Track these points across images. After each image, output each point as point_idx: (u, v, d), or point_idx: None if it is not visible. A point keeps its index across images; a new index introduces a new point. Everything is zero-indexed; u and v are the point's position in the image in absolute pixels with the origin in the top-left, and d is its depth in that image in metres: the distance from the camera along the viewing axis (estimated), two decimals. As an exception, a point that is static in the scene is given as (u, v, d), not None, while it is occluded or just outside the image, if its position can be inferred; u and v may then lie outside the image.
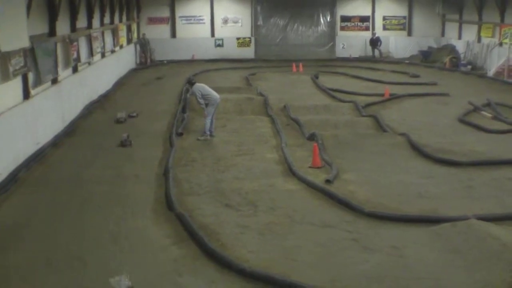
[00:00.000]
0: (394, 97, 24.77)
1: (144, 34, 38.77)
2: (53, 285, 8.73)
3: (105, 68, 27.16)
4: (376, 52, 40.66)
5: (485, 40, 34.19)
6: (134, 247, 10.11)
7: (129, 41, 35.65)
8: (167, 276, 9.02)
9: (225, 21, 41.34)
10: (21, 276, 9.00)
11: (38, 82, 16.90)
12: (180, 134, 18.16)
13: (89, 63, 24.32)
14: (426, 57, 38.40)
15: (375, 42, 40.43)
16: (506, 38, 30.70)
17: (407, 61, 39.01)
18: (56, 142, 17.22)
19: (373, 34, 40.90)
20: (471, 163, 14.99)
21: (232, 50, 41.01)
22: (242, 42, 41.58)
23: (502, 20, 32.30)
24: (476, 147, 16.68)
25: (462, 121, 20.47)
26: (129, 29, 35.84)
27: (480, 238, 9.92)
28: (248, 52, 41.46)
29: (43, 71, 17.16)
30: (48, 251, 9.93)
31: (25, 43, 15.63)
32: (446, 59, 35.81)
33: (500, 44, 31.47)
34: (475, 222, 10.52)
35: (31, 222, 11.28)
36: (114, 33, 30.42)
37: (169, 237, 10.54)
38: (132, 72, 34.29)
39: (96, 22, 26.18)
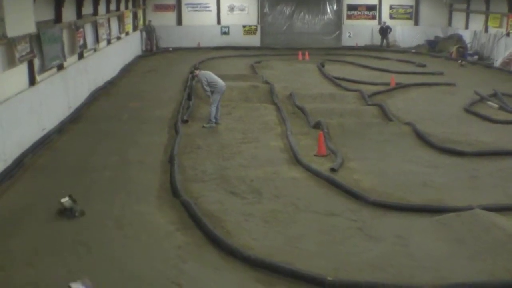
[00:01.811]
0: (400, 87, 24.72)
1: (150, 21, 38.74)
2: (57, 269, 8.75)
3: (111, 55, 27.13)
4: (385, 41, 40.45)
5: (492, 30, 34.00)
6: (138, 233, 10.13)
7: (135, 28, 35.61)
8: (171, 263, 9.04)
9: (231, 8, 41.25)
10: (26, 261, 9.03)
11: (43, 68, 16.88)
12: (185, 121, 18.16)
13: (95, 50, 24.29)
14: (433, 47, 38.29)
15: (385, 31, 40.13)
16: (513, 28, 30.61)
17: (413, 51, 38.89)
18: (62, 129, 17.23)
19: (383, 23, 40.62)
20: (477, 153, 14.95)
21: (238, 38, 40.96)
22: (248, 30, 41.52)
23: (510, 10, 32.09)
24: (482, 137, 16.64)
25: (468, 111, 20.41)
26: (135, 16, 35.79)
27: (484, 228, 9.91)
28: (254, 40, 41.42)
29: (48, 57, 17.14)
30: (52, 236, 9.96)
31: (32, 29, 15.62)
32: (453, 49, 35.70)
33: (507, 34, 31.33)
34: (480, 212, 10.51)
35: (36, 207, 11.30)
36: (120, 20, 30.38)
37: (174, 223, 10.56)
38: (138, 59, 34.26)
39: (102, 8, 26.13)
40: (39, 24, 16.45)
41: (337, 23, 42.27)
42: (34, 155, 14.59)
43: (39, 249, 9.45)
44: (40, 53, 16.49)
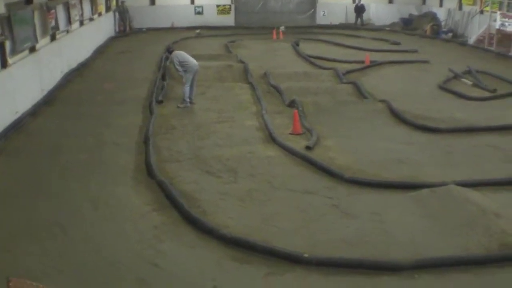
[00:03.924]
0: (374, 64, 24.78)
1: (123, 2, 38.30)
2: (34, 253, 8.70)
3: (83, 36, 26.80)
4: (359, 20, 40.44)
5: (466, 8, 34.21)
6: (114, 214, 10.10)
7: (108, 9, 35.19)
8: (148, 243, 9.03)
9: (205, -12, 40.98)
10: (2, 245, 8.95)
11: (15, 50, 16.64)
12: (160, 102, 18.07)
13: (68, 31, 24.01)
14: (407, 25, 38.38)
15: (360, 10, 40.14)
16: (487, 6, 30.73)
17: (387, 28, 38.98)
18: (35, 111, 17.04)
19: (358, 1, 40.60)
20: (451, 130, 15.08)
21: (212, 18, 40.68)
22: (222, 10, 41.27)
23: (483, -13, 32.33)
24: (456, 114, 16.78)
25: (442, 88, 20.56)
26: (107, -3, 35.43)
27: (458, 203, 10.01)
28: (228, 20, 41.16)
29: (20, 39, 16.90)
30: (28, 220, 9.88)
31: (1, 10, 15.38)
32: (427, 27, 35.84)
33: (481, 12, 31.49)
34: (454, 188, 10.60)
35: (11, 191, 11.20)
36: (93, 0, 30.02)
37: (150, 204, 10.53)
38: (111, 40, 33.94)
39: (74, -11, 25.80)
40: (9, 6, 16.19)
41: (311, 2, 42.14)
42: (7, 139, 14.44)
43: (16, 233, 9.37)
44: (11, 35, 16.24)
